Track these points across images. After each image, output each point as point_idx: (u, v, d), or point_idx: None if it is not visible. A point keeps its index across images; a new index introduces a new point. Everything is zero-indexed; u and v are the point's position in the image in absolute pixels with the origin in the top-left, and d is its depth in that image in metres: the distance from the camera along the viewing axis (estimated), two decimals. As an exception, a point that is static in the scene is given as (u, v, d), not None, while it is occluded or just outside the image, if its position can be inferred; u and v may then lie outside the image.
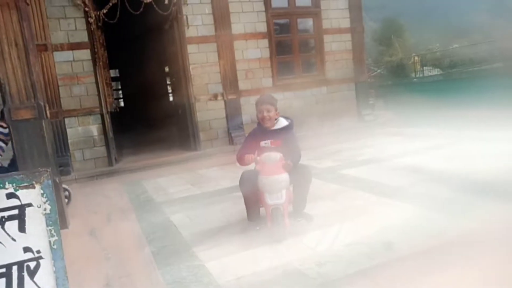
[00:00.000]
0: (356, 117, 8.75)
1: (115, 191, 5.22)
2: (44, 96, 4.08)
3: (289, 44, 8.25)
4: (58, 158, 5.88)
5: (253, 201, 3.00)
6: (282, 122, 3.09)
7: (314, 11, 8.34)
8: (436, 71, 15.98)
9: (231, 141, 7.41)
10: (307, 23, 8.60)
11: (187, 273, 2.44)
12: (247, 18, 7.57)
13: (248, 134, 3.18)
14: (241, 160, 2.95)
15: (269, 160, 2.80)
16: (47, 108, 3.87)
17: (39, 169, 0.89)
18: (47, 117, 3.81)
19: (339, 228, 2.91)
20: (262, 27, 7.73)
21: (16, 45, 3.17)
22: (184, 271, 2.47)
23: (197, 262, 2.57)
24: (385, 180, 4.13)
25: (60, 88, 6.45)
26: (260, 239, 2.84)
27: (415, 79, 15.93)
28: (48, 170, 0.90)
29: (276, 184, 2.76)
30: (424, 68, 16.45)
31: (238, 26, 7.48)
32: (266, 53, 7.81)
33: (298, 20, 8.33)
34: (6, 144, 4.14)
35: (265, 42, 7.78)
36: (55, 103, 6.36)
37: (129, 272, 2.59)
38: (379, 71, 19.47)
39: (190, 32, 7.12)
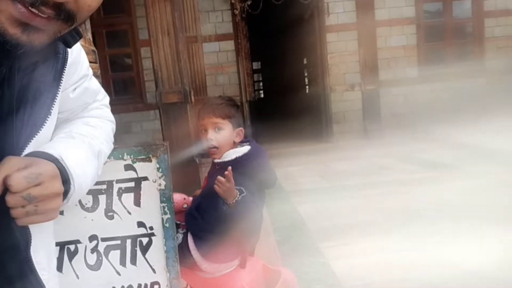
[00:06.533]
0: (524, 114, 7.32)
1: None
2: (190, 82, 4.42)
3: (440, 30, 7.33)
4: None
5: None
6: (239, 152, 1.50)
7: (474, -9, 7.23)
8: None
9: (366, 134, 6.99)
10: (463, 5, 7.50)
11: (310, 268, 2.31)
12: (393, 3, 6.97)
13: None
14: None
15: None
16: (192, 93, 4.17)
17: (156, 142, 0.85)
18: (191, 101, 4.12)
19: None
20: (410, 12, 7.03)
21: (168, 34, 3.47)
22: (307, 266, 2.35)
23: (322, 259, 2.42)
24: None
25: (206, 77, 6.97)
26: None
27: None
28: (165, 144, 0.85)
29: None
30: None
31: (382, 12, 6.95)
32: (413, 40, 7.09)
33: (453, 2, 7.32)
34: None
35: (412, 28, 7.07)
36: (202, 91, 6.89)
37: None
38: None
39: (330, 20, 6.90)
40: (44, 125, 0.63)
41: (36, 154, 0.60)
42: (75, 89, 0.75)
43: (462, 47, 7.52)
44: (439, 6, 7.39)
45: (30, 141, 0.61)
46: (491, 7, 7.22)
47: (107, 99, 0.88)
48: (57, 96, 0.65)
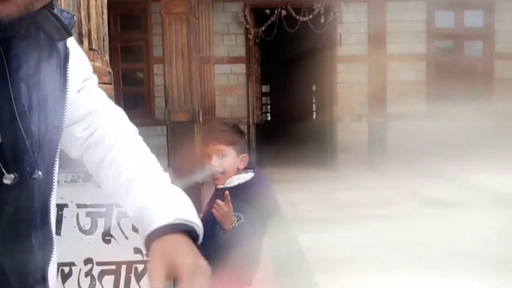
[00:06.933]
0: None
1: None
2: (199, 102, 4.46)
3: (450, 69, 7.39)
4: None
5: None
6: (242, 178, 1.51)
7: (485, 33, 7.29)
8: None
9: (370, 166, 6.96)
10: (475, 45, 7.58)
11: (305, 301, 2.27)
12: (405, 38, 7.06)
13: None
14: None
15: None
16: (200, 113, 4.20)
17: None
18: (199, 121, 4.15)
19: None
20: (421, 48, 7.12)
21: (182, 54, 3.53)
22: (302, 298, 2.31)
23: (317, 293, 2.38)
24: None
25: (216, 97, 7.03)
26: None
27: None
28: (168, 170, 0.85)
29: None
30: None
31: (393, 47, 7.04)
32: (422, 77, 7.15)
33: (465, 42, 7.39)
34: None
35: (422, 65, 7.14)
36: (210, 111, 6.94)
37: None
38: None
39: (341, 51, 6.99)
40: (63, 123, 0.63)
41: (171, 229, 0.63)
42: (79, 90, 0.74)
43: (472, 86, 7.53)
44: (451, 44, 7.47)
45: (59, 142, 0.62)
46: (501, 50, 7.29)
47: (121, 110, 0.85)
48: (67, 91, 0.63)
